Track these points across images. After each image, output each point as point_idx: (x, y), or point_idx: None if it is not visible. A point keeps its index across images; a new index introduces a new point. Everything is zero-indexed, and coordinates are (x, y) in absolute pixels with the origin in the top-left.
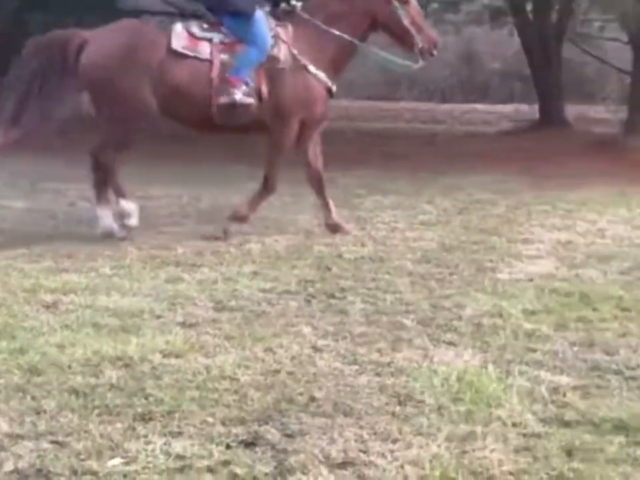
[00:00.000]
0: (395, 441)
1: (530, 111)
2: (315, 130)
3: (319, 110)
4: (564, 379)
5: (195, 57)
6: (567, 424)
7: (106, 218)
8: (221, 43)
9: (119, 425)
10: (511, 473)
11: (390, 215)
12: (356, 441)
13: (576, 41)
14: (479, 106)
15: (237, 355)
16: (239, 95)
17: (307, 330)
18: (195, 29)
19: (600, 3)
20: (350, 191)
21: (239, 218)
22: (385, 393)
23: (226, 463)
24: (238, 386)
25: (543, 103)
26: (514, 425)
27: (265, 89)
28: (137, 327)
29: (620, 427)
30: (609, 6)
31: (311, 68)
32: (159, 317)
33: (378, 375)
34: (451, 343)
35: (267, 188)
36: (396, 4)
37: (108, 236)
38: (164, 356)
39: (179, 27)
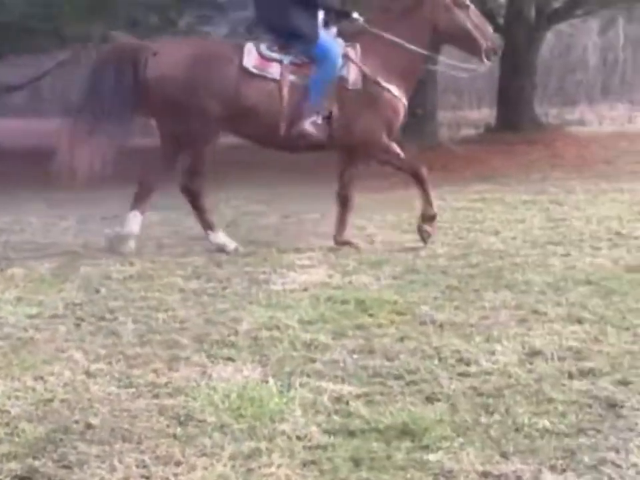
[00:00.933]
0: (178, 464)
1: None
2: None
3: (396, 126)
4: (346, 388)
5: (266, 77)
6: (352, 433)
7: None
8: (291, 64)
9: None
10: None
11: (157, 231)
12: (137, 466)
13: None
14: None
15: (6, 386)
16: (307, 126)
17: (78, 355)
18: (265, 49)
19: None
20: None
21: (430, 218)
22: (165, 414)
23: None
24: (9, 418)
25: None
26: (299, 438)
27: (335, 112)
28: None
29: (405, 433)
30: None
31: (384, 84)
32: None
33: (156, 396)
34: (229, 359)
35: (423, 184)
36: (456, 10)
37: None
38: None
39: (249, 45)
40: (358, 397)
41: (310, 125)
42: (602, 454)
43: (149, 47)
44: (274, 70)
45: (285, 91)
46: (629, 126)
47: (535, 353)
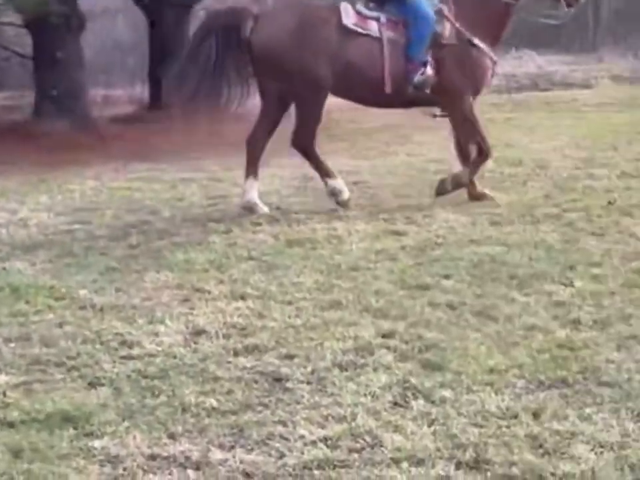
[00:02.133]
0: None
1: None
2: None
3: (485, 83)
4: (3, 378)
5: (366, 35)
6: (11, 424)
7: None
8: (388, 21)
9: None
10: None
11: None
12: None
13: None
14: None
15: None
16: (417, 79)
17: None
18: (362, 8)
19: None
20: None
21: (460, 184)
22: None
23: None
24: None
25: None
26: None
27: (431, 67)
28: None
29: (68, 420)
30: None
31: (476, 41)
32: None
33: None
34: None
35: (485, 155)
36: None
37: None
38: None
39: (345, 5)
40: (16, 386)
41: (420, 78)
42: (270, 428)
43: (251, 11)
44: (373, 27)
45: (386, 47)
46: None
47: (199, 332)
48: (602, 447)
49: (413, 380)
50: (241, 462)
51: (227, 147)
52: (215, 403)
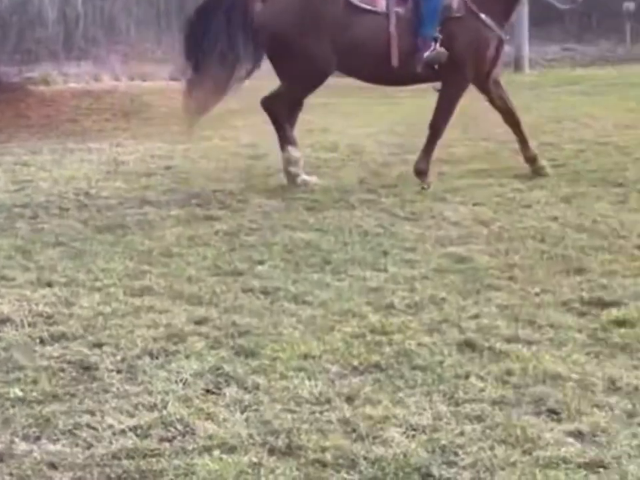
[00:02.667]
0: None
1: None
2: (486, 78)
3: (488, 59)
4: None
5: (373, 11)
6: None
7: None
8: None
9: None
10: None
11: None
12: None
13: None
14: None
15: None
16: (428, 55)
17: None
18: None
19: None
20: None
21: (422, 172)
22: None
23: None
24: None
25: None
26: None
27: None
28: None
29: None
30: None
31: (483, 16)
32: None
33: None
34: None
35: (434, 135)
36: None
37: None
38: None
39: None
40: None
41: (431, 54)
42: (77, 418)
43: None
44: (381, 3)
45: (394, 24)
46: (94, 84)
47: (3, 321)
48: (414, 430)
49: (226, 367)
50: (47, 453)
51: (34, 131)
52: (19, 393)
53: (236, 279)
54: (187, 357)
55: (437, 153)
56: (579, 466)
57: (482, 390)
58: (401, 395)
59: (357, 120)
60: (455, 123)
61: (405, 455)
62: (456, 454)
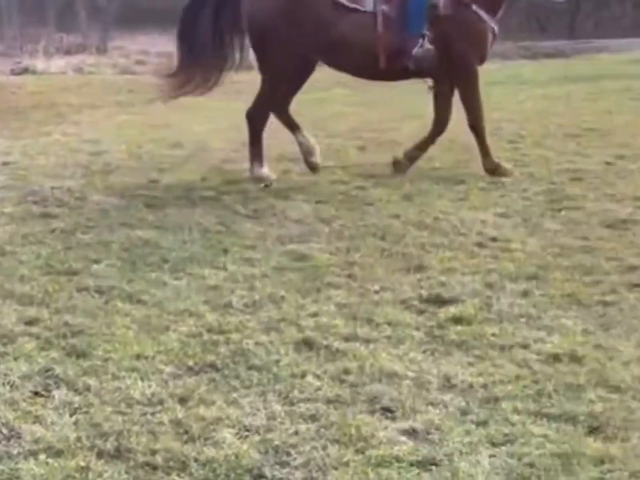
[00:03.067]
0: None
1: None
2: None
3: (485, 52)
4: None
5: (360, 10)
6: None
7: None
8: None
9: None
10: None
11: None
12: None
13: None
14: None
15: None
16: (416, 52)
17: None
18: None
19: None
20: None
21: (494, 169)
22: None
23: None
24: None
25: None
26: None
27: (430, 37)
28: None
29: None
30: None
31: (475, 8)
32: None
33: None
34: None
35: (479, 133)
36: None
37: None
38: None
39: None
40: None
41: (419, 51)
42: None
43: None
44: (367, 1)
45: (380, 22)
46: None
47: None
48: (247, 430)
49: (57, 368)
50: None
51: None
52: None
53: (70, 278)
54: (16, 358)
55: (281, 150)
56: (412, 464)
57: (318, 389)
58: (235, 395)
59: (202, 115)
60: (303, 122)
61: (236, 456)
62: (288, 454)
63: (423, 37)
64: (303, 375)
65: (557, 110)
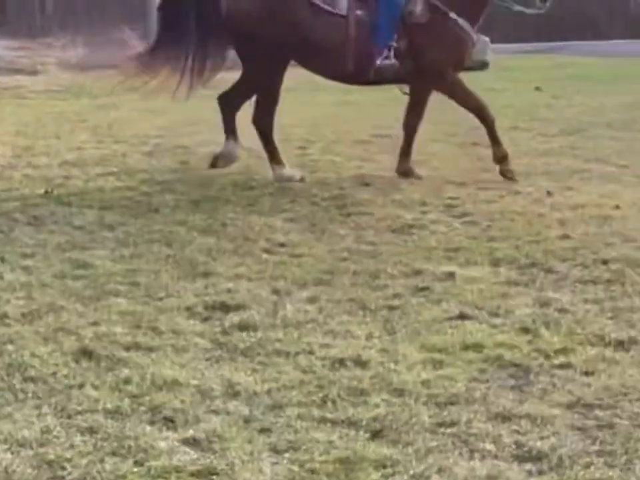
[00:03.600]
0: None
1: None
2: None
3: (464, 60)
4: None
5: (334, 13)
6: None
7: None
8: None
9: None
10: None
11: None
12: None
13: None
14: None
15: None
16: (381, 62)
17: None
18: None
19: None
20: None
21: (502, 158)
22: None
23: None
24: None
25: None
26: None
27: (402, 46)
28: None
29: None
30: None
31: (453, 15)
32: None
33: None
34: None
35: (488, 122)
36: None
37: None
38: None
39: None
40: None
41: (383, 61)
42: None
43: None
44: (342, 4)
45: (352, 26)
46: None
47: None
48: (20, 445)
49: None
50: None
51: None
52: None
53: None
54: None
55: (65, 156)
56: (192, 474)
57: (96, 400)
58: (9, 409)
59: None
60: (87, 128)
61: (7, 472)
62: (63, 468)
63: (389, 48)
64: (81, 386)
65: (348, 116)
